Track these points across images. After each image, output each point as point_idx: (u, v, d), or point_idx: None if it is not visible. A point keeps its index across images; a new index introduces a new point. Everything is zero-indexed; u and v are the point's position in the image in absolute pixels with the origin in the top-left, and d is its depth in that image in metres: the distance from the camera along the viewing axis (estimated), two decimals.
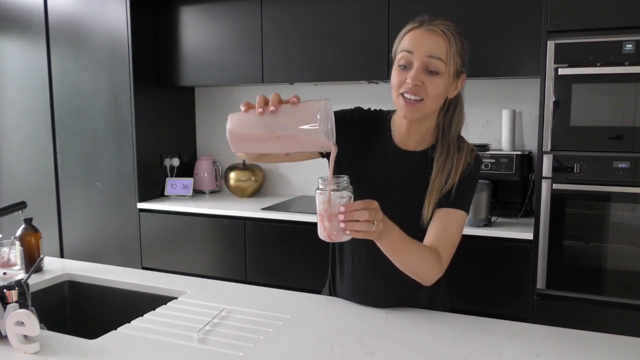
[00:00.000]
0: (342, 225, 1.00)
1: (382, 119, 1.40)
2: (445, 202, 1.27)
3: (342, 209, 0.99)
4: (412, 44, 1.22)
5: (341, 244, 1.43)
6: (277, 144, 1.02)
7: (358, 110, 1.40)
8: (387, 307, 1.39)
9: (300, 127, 0.99)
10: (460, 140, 1.35)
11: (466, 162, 1.30)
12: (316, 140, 0.99)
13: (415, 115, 1.25)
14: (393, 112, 1.39)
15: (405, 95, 1.22)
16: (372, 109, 1.43)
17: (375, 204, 1.03)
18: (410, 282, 1.36)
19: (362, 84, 3.04)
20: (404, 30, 1.26)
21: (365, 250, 1.38)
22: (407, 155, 1.34)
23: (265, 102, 1.02)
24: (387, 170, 1.35)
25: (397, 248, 1.17)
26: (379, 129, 1.38)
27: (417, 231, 1.27)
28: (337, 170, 1.36)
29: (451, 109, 1.33)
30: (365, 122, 1.38)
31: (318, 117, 0.97)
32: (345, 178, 1.03)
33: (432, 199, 1.27)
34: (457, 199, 1.28)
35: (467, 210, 1.30)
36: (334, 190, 1.00)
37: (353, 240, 1.39)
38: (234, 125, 1.04)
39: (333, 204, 1.00)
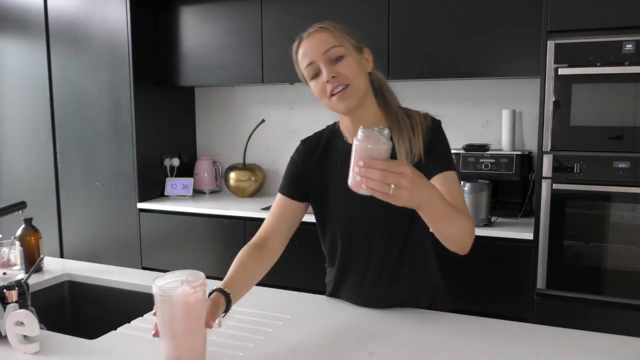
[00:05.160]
0: (357, 178, 0.97)
1: (329, 132, 1.43)
2: (431, 171, 1.25)
3: (360, 163, 0.96)
4: (307, 56, 1.27)
5: (343, 255, 1.42)
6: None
7: (300, 146, 1.44)
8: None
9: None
10: (406, 109, 1.36)
11: (423, 125, 1.30)
12: None
13: (352, 101, 1.26)
14: (338, 121, 1.41)
15: (333, 92, 1.25)
16: (315, 132, 1.45)
17: (402, 167, 0.96)
18: (412, 287, 1.38)
19: None
20: (294, 51, 1.31)
21: (368, 261, 1.38)
22: None
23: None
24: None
25: (437, 217, 1.09)
26: (330, 142, 1.41)
27: (399, 214, 1.27)
28: (319, 207, 1.41)
29: (379, 90, 1.35)
30: (312, 148, 1.42)
31: None
32: (386, 132, 0.98)
33: None
34: (439, 163, 1.27)
35: (454, 169, 1.30)
36: (359, 140, 0.97)
37: (356, 248, 1.39)
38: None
39: (357, 154, 0.97)
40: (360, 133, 0.98)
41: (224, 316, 1.16)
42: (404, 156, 1.27)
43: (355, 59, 1.27)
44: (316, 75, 1.26)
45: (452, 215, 1.10)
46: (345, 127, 1.38)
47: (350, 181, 0.99)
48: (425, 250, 1.41)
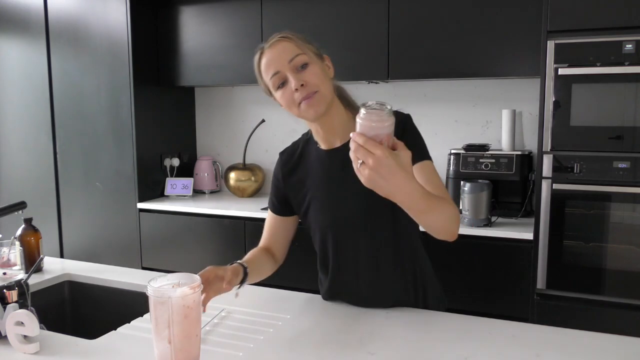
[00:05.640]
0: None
1: (304, 140, 1.45)
2: None
3: (351, 134, 0.99)
4: (272, 66, 1.27)
5: (334, 260, 1.42)
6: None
7: (278, 158, 1.48)
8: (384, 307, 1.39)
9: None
10: None
11: None
12: None
13: (320, 107, 1.27)
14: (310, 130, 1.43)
15: (302, 101, 1.25)
16: (293, 142, 1.49)
17: (375, 148, 0.96)
18: (404, 286, 1.38)
19: (362, 84, 3.04)
20: (256, 63, 1.32)
21: (357, 264, 1.38)
22: (337, 151, 1.36)
23: None
24: (325, 176, 1.38)
25: (419, 209, 1.09)
26: (305, 150, 1.43)
27: (379, 213, 1.30)
28: (304, 216, 1.44)
29: (339, 94, 1.38)
30: (289, 158, 1.45)
31: None
32: (388, 107, 0.99)
33: None
34: (414, 153, 1.25)
35: (429, 158, 1.30)
36: (362, 118, 0.98)
37: (344, 252, 1.39)
38: None
39: (359, 130, 0.99)
40: (362, 111, 0.99)
41: (239, 287, 1.30)
42: None
43: (319, 65, 1.29)
44: (282, 84, 1.27)
45: (434, 206, 1.10)
46: (315, 133, 1.39)
47: None
48: (415, 249, 1.40)
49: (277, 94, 1.29)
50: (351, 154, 0.99)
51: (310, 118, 1.29)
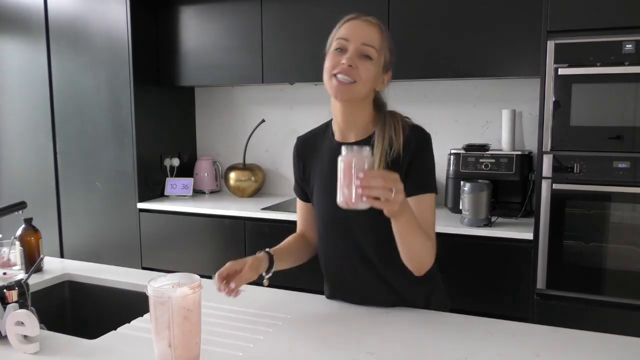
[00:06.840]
0: (359, 191, 1.03)
1: (322, 130, 1.46)
2: (409, 190, 1.25)
3: (360, 175, 1.01)
4: (348, 32, 1.29)
5: (334, 250, 1.43)
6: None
7: (295, 143, 1.50)
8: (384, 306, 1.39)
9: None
10: (391, 111, 1.39)
11: (404, 122, 1.33)
12: None
13: (346, 95, 1.28)
14: (332, 119, 1.44)
15: (339, 76, 1.26)
16: (311, 129, 1.50)
17: (393, 174, 1.05)
18: (405, 285, 1.37)
19: None
20: (340, 22, 1.34)
21: (355, 254, 1.38)
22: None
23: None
24: (331, 167, 1.36)
25: (408, 228, 1.19)
26: (320, 140, 1.44)
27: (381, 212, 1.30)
28: (313, 203, 1.46)
29: (379, 105, 1.38)
30: (305, 144, 1.47)
31: None
32: (368, 148, 1.05)
33: (380, 165, 1.29)
34: (419, 183, 1.28)
35: (434, 190, 1.31)
36: (353, 154, 1.03)
37: (345, 244, 1.40)
38: None
39: (351, 168, 1.02)
40: (345, 150, 1.04)
41: (268, 275, 1.36)
42: (379, 149, 1.30)
43: (377, 69, 1.30)
44: (340, 50, 1.28)
45: (418, 230, 1.20)
46: (334, 121, 1.40)
47: (343, 198, 1.05)
48: None
49: (329, 54, 1.31)
50: (376, 192, 1.02)
51: (333, 95, 1.30)
